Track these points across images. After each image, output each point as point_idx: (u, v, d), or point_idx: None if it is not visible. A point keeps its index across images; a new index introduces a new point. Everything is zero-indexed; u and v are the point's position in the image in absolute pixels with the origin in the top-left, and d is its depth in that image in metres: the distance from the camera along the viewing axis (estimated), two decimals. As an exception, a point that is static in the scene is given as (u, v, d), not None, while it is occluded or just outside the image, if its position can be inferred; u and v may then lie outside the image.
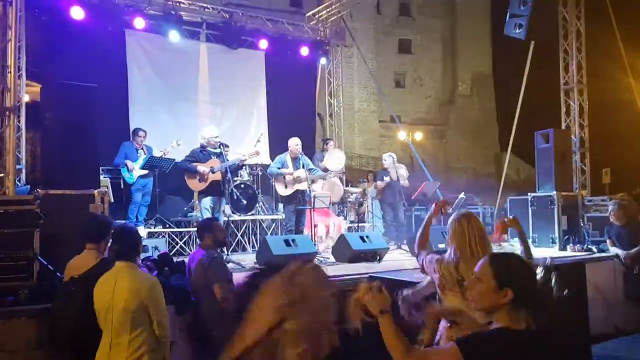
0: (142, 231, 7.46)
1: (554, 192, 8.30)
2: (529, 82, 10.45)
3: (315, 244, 7.01)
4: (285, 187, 7.78)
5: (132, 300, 3.08)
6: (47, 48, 8.92)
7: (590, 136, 9.86)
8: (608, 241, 7.10)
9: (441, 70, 34.54)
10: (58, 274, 4.36)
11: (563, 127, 9.84)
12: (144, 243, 5.68)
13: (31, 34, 8.31)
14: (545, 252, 7.89)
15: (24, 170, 7.54)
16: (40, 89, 6.30)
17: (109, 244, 3.81)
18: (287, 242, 6.39)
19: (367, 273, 5.47)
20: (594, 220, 8.25)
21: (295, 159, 7.90)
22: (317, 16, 12.36)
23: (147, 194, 8.51)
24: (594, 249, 7.53)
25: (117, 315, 3.10)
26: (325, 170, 8.57)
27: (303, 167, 7.79)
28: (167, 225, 8.59)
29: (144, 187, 8.44)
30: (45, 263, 4.49)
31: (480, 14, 34.26)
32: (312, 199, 7.39)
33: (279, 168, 7.87)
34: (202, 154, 7.37)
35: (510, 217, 3.48)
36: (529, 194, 8.77)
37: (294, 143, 7.93)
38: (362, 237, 6.96)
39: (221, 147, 7.47)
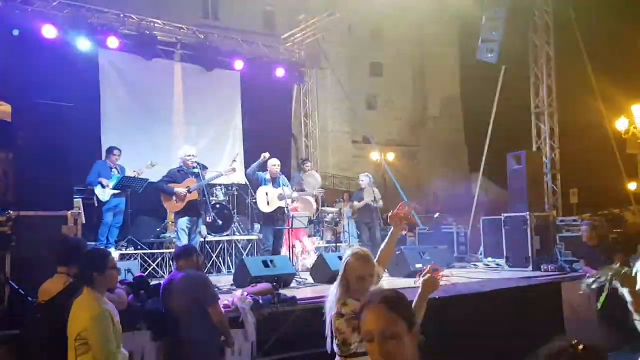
0: (114, 253, 7.27)
1: (527, 213, 8.44)
2: (498, 105, 10.70)
3: (294, 264, 6.96)
4: (268, 203, 7.72)
5: (73, 329, 3.01)
6: (17, 66, 8.72)
7: (559, 158, 10.11)
8: (581, 261, 7.22)
9: (411, 93, 35.13)
10: (30, 298, 4.19)
11: (534, 149, 10.06)
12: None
13: (1, 51, 8.14)
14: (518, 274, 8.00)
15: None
16: (12, 108, 6.13)
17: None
18: (265, 263, 6.32)
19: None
20: (566, 240, 8.41)
21: (274, 179, 7.88)
22: (292, 38, 12.46)
23: (120, 214, 8.32)
24: (567, 269, 7.65)
25: (70, 343, 3.04)
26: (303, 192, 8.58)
27: (282, 187, 7.77)
28: (140, 247, 8.40)
29: (116, 207, 8.26)
30: (17, 287, 4.32)
31: (449, 39, 35.08)
32: (291, 219, 7.35)
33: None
34: (179, 173, 7.28)
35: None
36: (502, 214, 8.89)
37: (272, 164, 7.91)
38: (340, 258, 6.92)
39: (199, 167, 7.38)
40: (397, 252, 7.61)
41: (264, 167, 8.05)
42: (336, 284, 2.79)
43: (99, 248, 6.85)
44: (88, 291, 3.11)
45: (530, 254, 8.23)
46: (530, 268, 8.11)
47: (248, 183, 9.16)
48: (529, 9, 9.53)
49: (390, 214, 3.10)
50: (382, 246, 3.12)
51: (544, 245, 8.41)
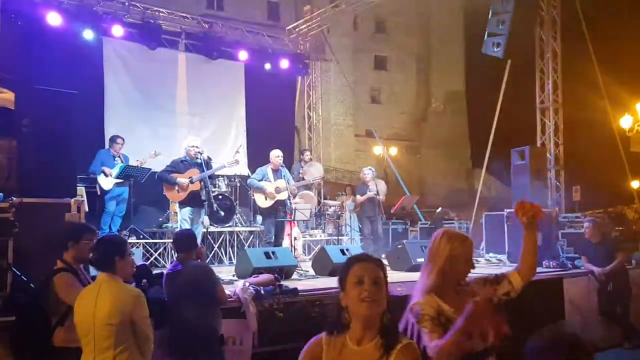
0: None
1: (530, 209, 8.41)
2: (502, 100, 10.66)
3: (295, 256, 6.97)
4: (265, 199, 7.72)
5: (116, 314, 2.93)
6: (21, 54, 8.70)
7: (563, 154, 10.08)
8: (583, 258, 7.22)
9: (415, 87, 34.99)
10: (32, 285, 4.20)
11: (538, 145, 10.03)
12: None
13: (4, 38, 8.13)
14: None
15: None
16: (15, 95, 6.11)
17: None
18: (267, 254, 6.32)
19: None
20: (569, 236, 8.38)
21: (276, 171, 7.86)
22: (297, 30, 12.41)
23: (122, 202, 8.34)
24: (569, 265, 7.65)
25: (99, 331, 2.95)
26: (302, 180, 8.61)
27: (284, 178, 7.76)
28: (142, 236, 8.41)
29: (119, 195, 8.27)
30: (19, 274, 4.32)
31: (454, 33, 34.90)
32: (293, 211, 7.34)
33: (259, 180, 7.81)
34: (182, 164, 7.28)
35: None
36: (504, 210, 8.88)
37: (275, 155, 7.89)
38: (342, 250, 6.94)
39: (201, 157, 7.36)
40: (399, 246, 7.60)
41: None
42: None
43: (116, 234, 6.87)
44: (109, 276, 3.06)
45: (532, 250, 8.21)
46: (532, 264, 8.09)
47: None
48: (537, 3, 9.46)
49: (523, 217, 2.56)
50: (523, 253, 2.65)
51: (546, 241, 8.38)
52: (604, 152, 13.09)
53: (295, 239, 8.47)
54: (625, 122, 14.47)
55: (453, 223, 10.80)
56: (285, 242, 8.11)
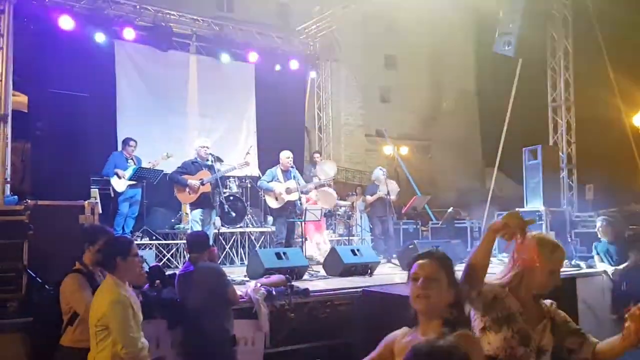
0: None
1: (542, 208, 8.37)
2: (514, 98, 10.60)
3: (306, 257, 6.98)
4: (276, 199, 7.75)
5: (94, 315, 3.03)
6: (34, 57, 8.79)
7: (576, 153, 10.01)
8: (596, 257, 7.15)
9: (426, 86, 34.83)
10: (47, 286, 4.26)
11: (550, 143, 9.97)
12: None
13: (18, 42, 8.22)
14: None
15: (9, 180, 7.40)
16: (28, 99, 6.20)
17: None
18: (278, 255, 6.34)
19: (359, 287, 5.44)
20: (582, 236, 8.31)
21: (286, 172, 7.89)
22: (306, 30, 12.43)
23: (135, 204, 8.42)
24: (582, 265, 7.58)
25: (90, 327, 3.08)
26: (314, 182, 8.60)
27: (294, 179, 7.78)
28: (154, 237, 8.47)
29: (132, 197, 8.35)
30: (34, 275, 4.38)
31: (465, 31, 34.72)
32: (304, 212, 7.36)
33: (268, 182, 7.84)
34: (193, 165, 7.33)
35: None
36: (516, 209, 8.82)
37: (285, 156, 7.92)
38: (353, 251, 6.94)
39: (212, 158, 7.41)
40: (410, 246, 7.58)
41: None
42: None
43: (122, 235, 6.94)
44: (110, 277, 3.12)
45: (544, 249, 8.16)
46: (545, 263, 8.04)
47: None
48: (547, 1, 9.40)
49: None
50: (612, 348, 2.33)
51: (559, 240, 8.30)
52: (616, 150, 12.96)
53: (316, 242, 8.54)
54: (638, 119, 14.32)
55: (464, 223, 10.75)
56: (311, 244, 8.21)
